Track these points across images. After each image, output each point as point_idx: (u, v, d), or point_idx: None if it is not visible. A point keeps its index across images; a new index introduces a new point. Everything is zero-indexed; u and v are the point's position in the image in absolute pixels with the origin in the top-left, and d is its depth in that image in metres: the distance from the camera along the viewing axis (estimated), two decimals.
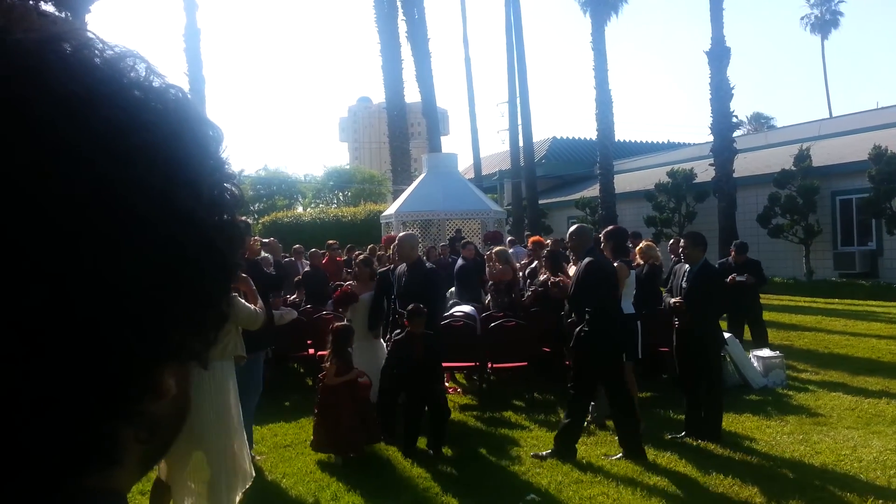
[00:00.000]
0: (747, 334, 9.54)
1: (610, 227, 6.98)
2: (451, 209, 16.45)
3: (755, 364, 8.09)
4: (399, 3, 23.93)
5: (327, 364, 5.91)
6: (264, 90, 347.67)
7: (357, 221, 25.64)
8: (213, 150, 0.48)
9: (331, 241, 12.63)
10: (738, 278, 9.02)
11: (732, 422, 6.47)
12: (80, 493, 0.42)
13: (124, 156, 0.41)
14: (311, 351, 8.62)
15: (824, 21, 52.31)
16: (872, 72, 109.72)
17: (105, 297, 0.40)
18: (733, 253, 9.74)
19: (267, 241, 9.46)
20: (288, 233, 21.63)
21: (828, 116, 35.52)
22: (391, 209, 17.56)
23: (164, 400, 0.46)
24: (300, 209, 42.31)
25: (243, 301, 4.53)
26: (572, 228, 6.12)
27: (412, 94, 24.48)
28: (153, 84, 0.46)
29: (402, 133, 23.65)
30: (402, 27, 23.59)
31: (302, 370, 9.48)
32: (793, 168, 18.53)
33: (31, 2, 0.46)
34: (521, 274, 9.45)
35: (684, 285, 6.19)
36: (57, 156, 0.39)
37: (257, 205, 46.03)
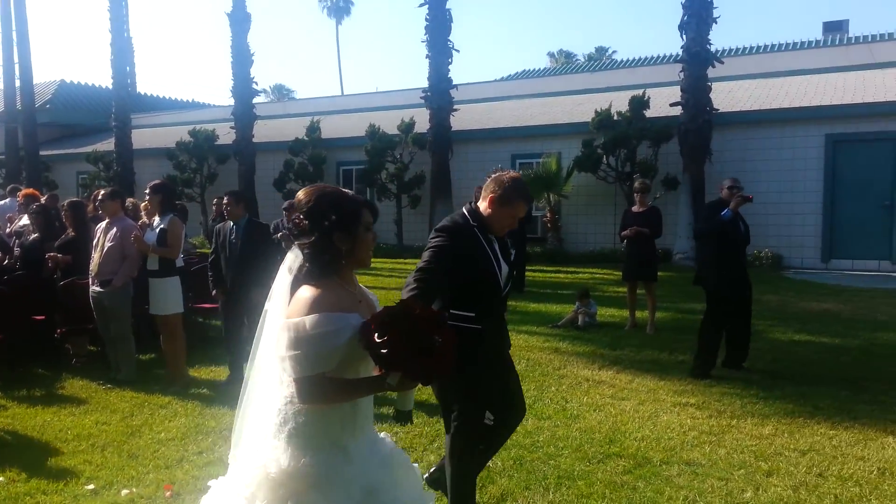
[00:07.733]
0: None
1: (158, 182, 6.70)
2: None
3: None
4: None
5: None
6: None
7: None
8: None
9: None
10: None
11: None
12: None
13: None
14: None
15: (339, 7, 57.96)
16: (374, 59, 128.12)
17: None
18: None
19: None
20: None
21: (339, 94, 39.54)
22: None
23: None
24: None
25: None
26: None
27: None
28: None
29: None
30: None
31: None
32: (305, 138, 20.21)
33: None
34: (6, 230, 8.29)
35: (233, 241, 6.42)
36: None
37: None
